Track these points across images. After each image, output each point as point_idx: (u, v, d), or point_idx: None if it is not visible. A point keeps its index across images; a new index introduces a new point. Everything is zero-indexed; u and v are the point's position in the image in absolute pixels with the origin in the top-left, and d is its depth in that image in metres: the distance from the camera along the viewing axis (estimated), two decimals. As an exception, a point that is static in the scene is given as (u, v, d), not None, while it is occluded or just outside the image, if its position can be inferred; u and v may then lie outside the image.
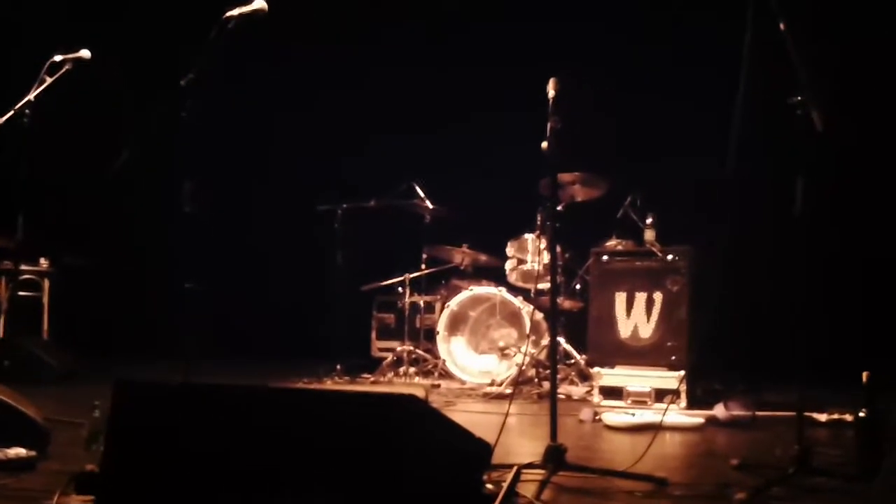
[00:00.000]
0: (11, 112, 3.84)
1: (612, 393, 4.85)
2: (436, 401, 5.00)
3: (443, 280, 6.80)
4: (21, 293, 6.20)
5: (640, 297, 4.92)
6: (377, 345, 7.12)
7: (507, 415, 3.19)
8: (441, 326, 6.13)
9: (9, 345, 5.56)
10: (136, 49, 7.11)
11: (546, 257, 5.70)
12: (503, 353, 5.93)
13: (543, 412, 3.97)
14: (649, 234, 5.06)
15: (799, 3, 2.87)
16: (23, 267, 6.22)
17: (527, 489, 2.52)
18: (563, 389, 5.36)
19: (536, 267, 5.78)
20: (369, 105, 7.35)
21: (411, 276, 6.43)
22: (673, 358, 4.79)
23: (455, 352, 6.19)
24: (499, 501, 2.25)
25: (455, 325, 6.25)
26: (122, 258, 7.50)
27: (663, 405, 4.38)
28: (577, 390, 5.37)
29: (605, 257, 5.11)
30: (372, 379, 6.13)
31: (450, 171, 6.75)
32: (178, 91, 3.36)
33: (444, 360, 6.09)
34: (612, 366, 4.93)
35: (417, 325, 6.49)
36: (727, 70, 2.92)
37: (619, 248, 5.17)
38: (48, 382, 5.37)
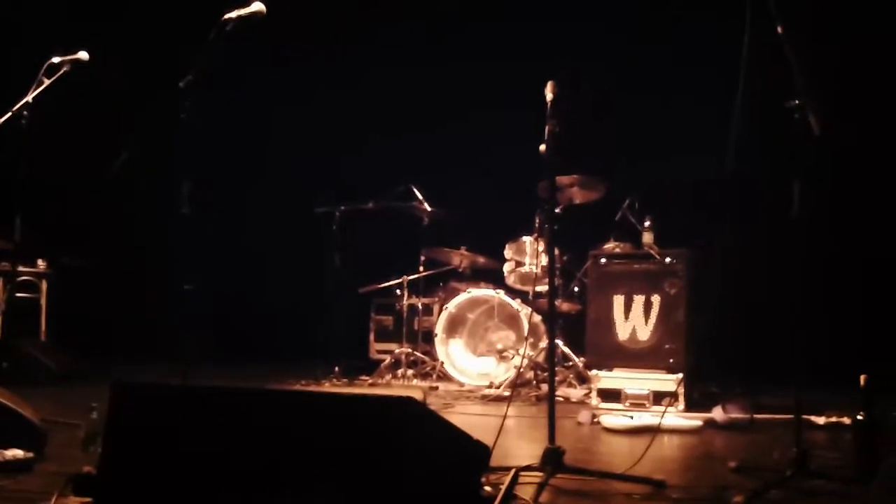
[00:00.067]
0: (10, 113, 3.83)
1: (611, 395, 4.85)
2: (434, 403, 5.00)
3: (441, 282, 6.80)
4: (19, 294, 6.19)
5: (639, 300, 4.93)
6: (375, 347, 7.11)
7: (505, 417, 3.19)
8: (439, 328, 6.14)
9: (6, 346, 5.56)
10: (136, 49, 7.11)
11: (544, 260, 5.69)
12: (501, 355, 5.93)
13: (541, 414, 3.97)
14: (647, 237, 5.07)
15: (796, 6, 2.88)
16: (21, 268, 6.21)
17: (525, 491, 2.52)
18: (562, 392, 5.35)
19: (535, 269, 5.78)
20: (367, 106, 7.35)
21: (409, 278, 6.43)
22: (671, 360, 4.79)
23: (453, 354, 6.19)
24: (497, 504, 2.25)
25: (453, 327, 6.25)
26: (120, 259, 7.49)
27: (661, 408, 4.37)
28: (576, 393, 5.37)
29: (603, 260, 5.12)
30: (370, 381, 6.12)
31: (448, 173, 6.75)
32: (178, 92, 3.37)
33: (442, 363, 6.08)
34: (610, 368, 4.93)
35: (416, 327, 6.49)
36: (726, 70, 2.93)
37: (618, 250, 5.18)
38: (46, 384, 5.37)
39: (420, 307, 6.56)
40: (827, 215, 4.31)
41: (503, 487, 2.41)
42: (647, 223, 5.10)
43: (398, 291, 6.57)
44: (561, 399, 5.16)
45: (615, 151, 6.37)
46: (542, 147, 2.95)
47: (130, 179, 6.42)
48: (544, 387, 5.26)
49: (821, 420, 4.07)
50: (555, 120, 2.92)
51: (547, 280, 3.96)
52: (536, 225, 5.81)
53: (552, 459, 2.72)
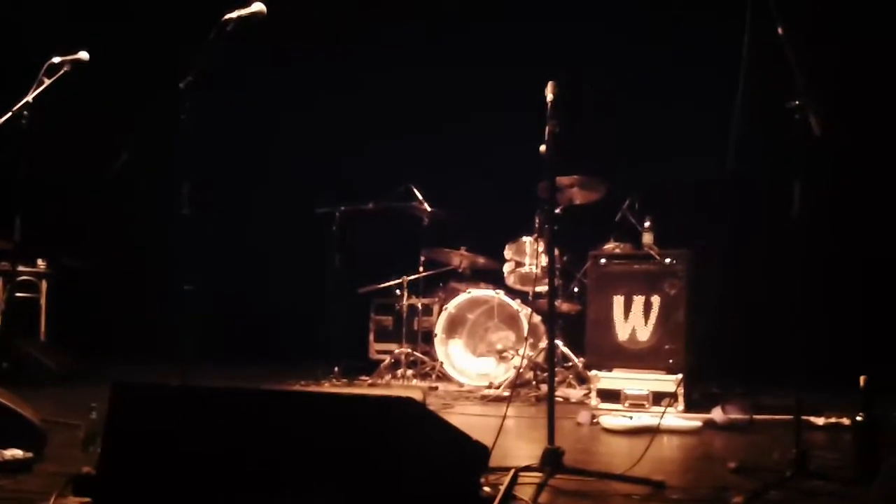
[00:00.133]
0: (10, 113, 3.83)
1: (610, 396, 4.85)
2: (433, 403, 5.00)
3: (441, 282, 6.79)
4: (18, 294, 6.19)
5: (638, 301, 4.93)
6: (375, 347, 7.11)
7: (504, 417, 3.19)
8: (439, 329, 6.13)
9: (6, 346, 5.55)
10: (136, 49, 7.11)
11: (544, 260, 5.69)
12: (501, 355, 5.93)
13: (541, 415, 3.97)
14: (647, 238, 5.07)
15: (797, 7, 2.88)
16: (21, 268, 6.21)
17: (524, 492, 2.51)
18: (561, 392, 5.35)
19: (534, 270, 5.78)
20: (368, 107, 7.35)
21: (409, 278, 6.43)
22: (671, 361, 4.79)
23: (453, 354, 6.19)
24: (496, 504, 2.25)
25: (453, 327, 6.25)
26: (120, 259, 7.49)
27: (661, 408, 4.37)
28: (575, 393, 5.37)
29: (603, 260, 5.12)
30: (370, 381, 6.12)
31: (448, 173, 6.75)
32: (178, 93, 3.37)
33: (441, 363, 6.08)
34: (609, 369, 4.93)
35: (415, 327, 6.49)
36: (727, 71, 2.93)
37: (617, 251, 5.17)
38: (46, 384, 5.37)
39: (420, 307, 6.56)
40: (827, 216, 4.31)
41: (502, 488, 2.41)
42: (647, 224, 5.10)
43: (398, 292, 6.57)
44: (560, 399, 5.16)
45: (616, 152, 6.37)
46: (543, 147, 2.95)
47: (130, 180, 6.44)
48: (544, 387, 5.25)
49: (820, 421, 4.07)
50: (555, 120, 2.92)
51: (547, 280, 3.96)
52: (536, 225, 5.81)
53: (551, 460, 2.72)
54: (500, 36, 6.97)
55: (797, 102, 2.75)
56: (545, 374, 5.29)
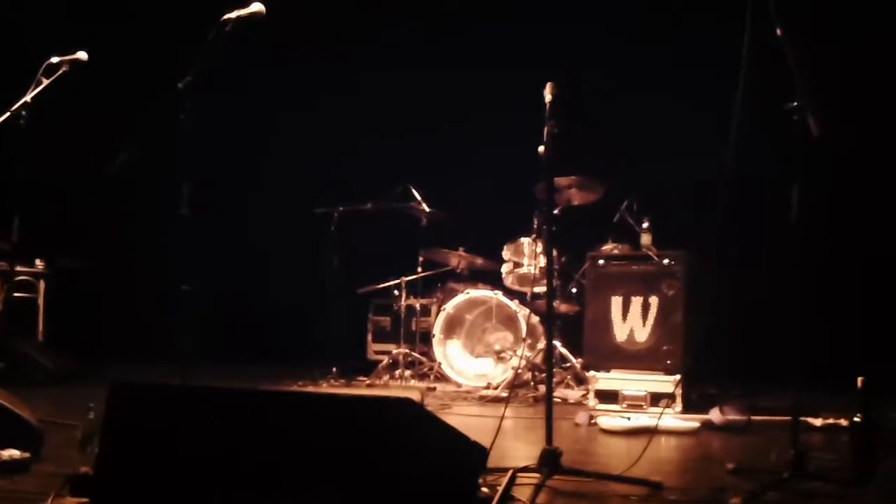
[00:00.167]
0: (8, 113, 3.83)
1: (608, 397, 4.85)
2: (431, 404, 4.99)
3: (439, 283, 6.79)
4: (16, 294, 6.17)
5: (636, 301, 4.93)
6: (373, 347, 7.11)
7: (502, 418, 3.18)
8: (437, 329, 6.13)
9: (4, 346, 5.54)
10: (136, 49, 7.11)
11: (542, 261, 5.69)
12: (499, 356, 5.93)
13: (539, 416, 3.96)
14: (645, 238, 5.07)
15: (797, 7, 2.88)
16: (18, 268, 6.19)
17: (522, 493, 2.51)
18: (559, 393, 5.35)
19: (533, 270, 5.78)
20: (367, 107, 7.35)
21: (407, 278, 6.43)
22: (669, 362, 4.79)
23: (451, 355, 6.19)
24: (494, 505, 2.25)
25: (451, 328, 6.25)
26: (118, 260, 7.49)
27: (659, 409, 4.37)
28: (573, 394, 5.37)
29: (601, 261, 5.12)
30: (367, 382, 6.12)
31: (447, 173, 6.76)
32: (177, 93, 3.36)
33: (439, 364, 6.08)
34: (607, 369, 4.93)
35: (413, 328, 6.49)
36: (726, 71, 2.93)
37: (616, 251, 5.17)
38: (43, 384, 5.36)
39: (418, 308, 6.56)
40: (826, 217, 4.31)
41: (500, 489, 2.41)
42: (645, 224, 5.10)
43: (396, 292, 6.57)
44: (558, 400, 5.15)
45: (614, 152, 6.37)
46: (541, 148, 2.95)
47: (129, 180, 6.44)
48: (542, 388, 5.25)
49: (818, 422, 4.07)
50: (553, 121, 2.92)
51: (545, 281, 3.96)
52: (535, 226, 5.81)
53: (549, 461, 2.72)
54: (500, 36, 6.97)
55: (796, 103, 2.75)
56: (543, 375, 5.29)
